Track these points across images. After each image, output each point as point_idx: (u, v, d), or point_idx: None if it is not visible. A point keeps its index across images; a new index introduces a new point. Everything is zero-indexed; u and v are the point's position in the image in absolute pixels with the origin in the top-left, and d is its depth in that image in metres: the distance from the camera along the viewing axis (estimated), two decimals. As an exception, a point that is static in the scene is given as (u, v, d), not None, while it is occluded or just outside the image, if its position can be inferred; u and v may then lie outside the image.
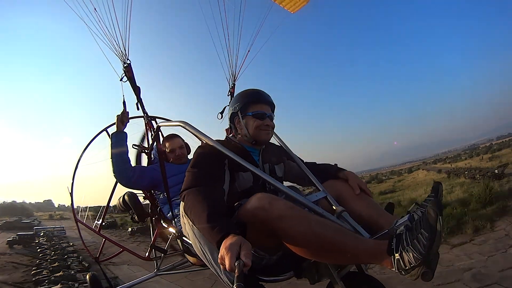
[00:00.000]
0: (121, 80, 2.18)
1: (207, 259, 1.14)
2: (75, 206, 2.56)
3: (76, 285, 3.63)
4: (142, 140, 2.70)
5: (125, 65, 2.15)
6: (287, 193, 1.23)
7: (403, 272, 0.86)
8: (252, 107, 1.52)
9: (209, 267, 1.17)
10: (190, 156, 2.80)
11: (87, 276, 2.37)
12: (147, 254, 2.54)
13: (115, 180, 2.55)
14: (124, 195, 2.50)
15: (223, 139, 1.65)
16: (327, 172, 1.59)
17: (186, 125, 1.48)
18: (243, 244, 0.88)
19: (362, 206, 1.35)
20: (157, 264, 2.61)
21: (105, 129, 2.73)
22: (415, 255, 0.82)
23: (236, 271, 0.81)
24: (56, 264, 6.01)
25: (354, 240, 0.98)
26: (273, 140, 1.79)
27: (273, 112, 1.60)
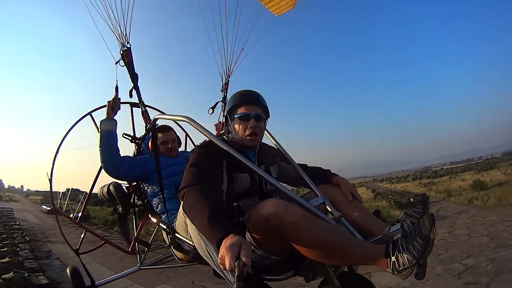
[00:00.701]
0: (116, 63, 2.04)
1: (212, 259, 1.15)
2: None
3: (26, 274, 3.33)
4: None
5: (124, 49, 2.02)
6: (291, 197, 1.27)
7: (395, 272, 0.98)
8: (238, 109, 1.52)
9: (214, 267, 1.18)
10: (181, 149, 2.75)
11: (68, 270, 2.22)
12: (130, 248, 2.45)
13: (100, 168, 2.42)
14: (109, 185, 2.38)
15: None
16: (321, 177, 1.64)
17: (191, 121, 1.44)
18: (243, 244, 0.90)
19: (355, 212, 1.43)
20: (140, 258, 2.53)
21: (89, 113, 2.56)
22: (409, 258, 0.94)
23: (236, 271, 0.82)
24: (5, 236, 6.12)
25: (358, 245, 1.07)
26: (267, 140, 1.81)
27: (264, 113, 1.57)
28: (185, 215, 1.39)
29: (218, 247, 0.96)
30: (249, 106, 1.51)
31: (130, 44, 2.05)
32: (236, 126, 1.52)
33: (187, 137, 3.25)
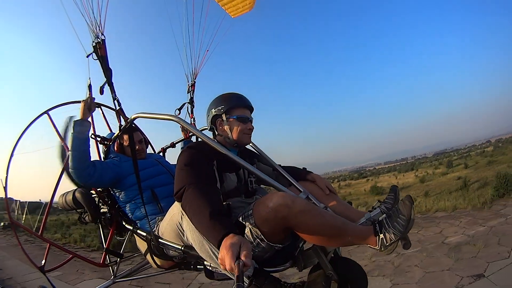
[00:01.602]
0: (88, 56, 1.84)
1: (216, 260, 1.16)
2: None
3: None
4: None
5: (98, 40, 1.84)
6: (284, 191, 1.34)
7: (383, 248, 1.13)
8: (236, 110, 1.58)
9: (218, 267, 1.18)
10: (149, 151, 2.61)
11: None
12: (101, 260, 2.23)
13: (61, 174, 2.16)
14: (74, 192, 2.13)
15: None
16: (297, 174, 1.75)
17: (179, 120, 1.41)
18: (243, 244, 0.93)
19: (334, 203, 1.58)
20: (113, 270, 2.32)
21: (47, 112, 2.27)
22: (395, 233, 1.10)
23: (236, 271, 0.84)
24: None
25: (352, 227, 1.21)
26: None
27: (251, 115, 1.67)
28: (182, 217, 1.35)
29: (218, 247, 0.97)
30: (247, 110, 1.62)
31: (104, 36, 1.88)
32: (234, 126, 1.57)
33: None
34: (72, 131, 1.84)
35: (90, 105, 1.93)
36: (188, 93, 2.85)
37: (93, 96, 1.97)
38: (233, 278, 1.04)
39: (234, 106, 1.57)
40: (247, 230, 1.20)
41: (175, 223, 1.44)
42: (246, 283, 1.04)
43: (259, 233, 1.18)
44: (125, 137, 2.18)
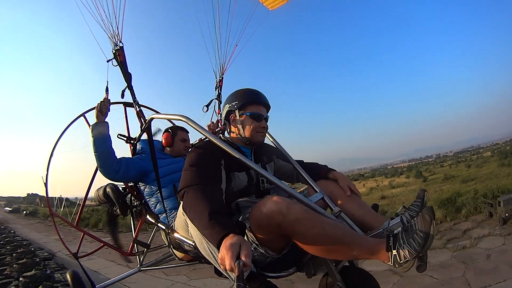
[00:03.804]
0: (108, 61, 1.98)
1: (214, 258, 1.15)
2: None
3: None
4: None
5: (116, 48, 1.97)
6: (291, 193, 1.27)
7: (396, 266, 0.99)
8: (250, 107, 1.52)
9: (217, 266, 1.18)
10: None
11: (67, 275, 2.20)
12: (129, 249, 2.43)
13: (95, 171, 2.38)
14: (105, 187, 2.34)
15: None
16: (318, 172, 1.64)
17: (188, 119, 1.42)
18: (243, 244, 0.90)
19: (354, 206, 1.44)
20: (139, 259, 2.52)
21: (83, 115, 2.51)
22: (410, 251, 0.95)
23: (236, 271, 0.82)
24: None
25: (359, 239, 1.08)
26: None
27: (268, 113, 1.61)
28: (185, 214, 1.38)
29: (218, 247, 0.95)
30: (261, 107, 1.55)
31: (122, 43, 2.00)
32: (247, 123, 1.52)
33: None
34: (91, 135, 1.98)
35: (101, 108, 2.04)
36: (216, 89, 2.86)
37: (109, 98, 2.09)
38: (231, 278, 1.03)
39: (248, 102, 1.52)
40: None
41: (183, 219, 1.47)
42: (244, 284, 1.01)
43: (254, 238, 1.13)
44: (180, 132, 2.37)
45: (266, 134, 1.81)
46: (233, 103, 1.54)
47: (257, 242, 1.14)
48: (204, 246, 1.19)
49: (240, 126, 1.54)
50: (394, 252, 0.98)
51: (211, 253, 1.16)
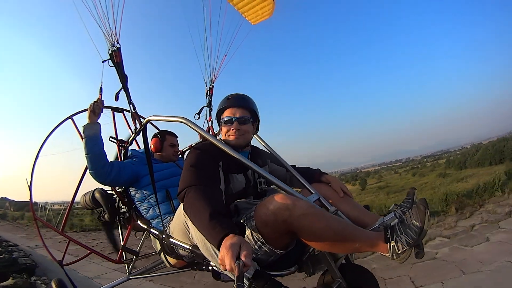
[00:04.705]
0: (103, 62, 1.95)
1: (217, 259, 1.15)
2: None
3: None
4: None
5: (113, 49, 1.94)
6: (291, 193, 1.30)
7: (395, 256, 1.04)
8: (224, 113, 1.57)
9: (220, 268, 1.17)
10: None
11: (53, 283, 2.05)
12: (118, 257, 2.32)
13: (83, 175, 2.29)
14: (93, 192, 2.25)
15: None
16: (311, 176, 1.70)
17: (188, 121, 1.43)
18: (243, 245, 0.91)
19: (348, 207, 1.49)
20: (128, 267, 2.41)
21: (70, 117, 2.43)
22: (408, 240, 1.01)
23: (236, 271, 0.83)
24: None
25: (360, 232, 1.13)
26: (256, 143, 1.84)
27: (252, 115, 1.58)
28: (185, 216, 1.37)
29: (218, 248, 0.96)
30: (233, 109, 1.55)
31: (120, 44, 1.98)
32: (222, 129, 1.56)
33: None
34: (83, 136, 1.93)
35: (94, 109, 2.00)
36: (206, 97, 2.91)
37: (102, 99, 2.05)
38: (233, 278, 1.03)
39: (222, 109, 1.58)
40: (248, 233, 1.18)
41: (182, 222, 1.45)
42: (245, 284, 1.01)
43: (260, 236, 1.14)
44: (168, 137, 2.33)
45: (256, 138, 1.85)
46: (216, 113, 1.62)
47: (262, 240, 1.15)
48: (207, 247, 1.18)
49: (221, 133, 1.60)
50: (393, 243, 1.04)
51: (215, 253, 1.15)
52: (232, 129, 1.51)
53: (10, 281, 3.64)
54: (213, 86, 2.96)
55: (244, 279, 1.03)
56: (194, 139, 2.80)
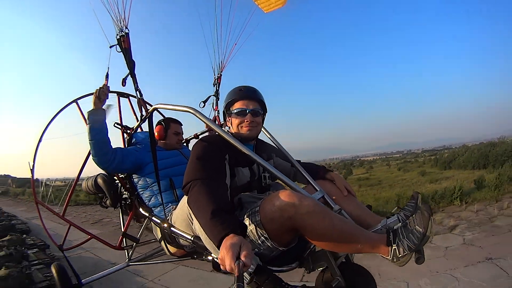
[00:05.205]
0: (111, 47, 1.91)
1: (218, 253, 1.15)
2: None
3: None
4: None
5: (122, 34, 1.90)
6: (296, 189, 1.29)
7: (395, 260, 1.05)
8: (235, 104, 1.55)
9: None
10: None
11: (52, 267, 2.08)
12: (118, 243, 2.35)
13: (86, 159, 2.29)
14: (96, 177, 2.26)
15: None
16: (316, 173, 1.69)
17: (196, 111, 1.41)
18: (243, 245, 0.91)
19: (351, 206, 1.49)
20: (128, 254, 2.44)
21: (75, 101, 2.41)
22: (409, 245, 1.02)
23: (236, 271, 0.83)
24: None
25: (363, 233, 1.13)
26: (263, 137, 1.83)
27: (261, 107, 1.59)
28: (189, 208, 1.37)
29: (218, 247, 0.96)
30: (246, 101, 1.53)
31: (128, 30, 1.94)
32: (233, 121, 1.54)
33: None
34: (87, 122, 1.91)
35: (99, 95, 1.98)
36: (214, 85, 2.88)
37: (108, 85, 2.02)
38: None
39: (233, 100, 1.55)
40: (252, 228, 1.18)
41: (186, 213, 1.45)
42: (246, 279, 1.02)
43: (264, 232, 1.14)
44: (172, 125, 2.31)
45: (264, 131, 1.83)
46: (224, 105, 1.59)
47: (266, 236, 1.15)
48: (210, 240, 1.19)
49: (230, 124, 1.58)
50: (394, 246, 1.04)
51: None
52: (246, 121, 1.51)
53: (7, 237, 4.76)
54: (221, 75, 2.93)
55: (246, 273, 1.04)
56: (200, 127, 2.79)
